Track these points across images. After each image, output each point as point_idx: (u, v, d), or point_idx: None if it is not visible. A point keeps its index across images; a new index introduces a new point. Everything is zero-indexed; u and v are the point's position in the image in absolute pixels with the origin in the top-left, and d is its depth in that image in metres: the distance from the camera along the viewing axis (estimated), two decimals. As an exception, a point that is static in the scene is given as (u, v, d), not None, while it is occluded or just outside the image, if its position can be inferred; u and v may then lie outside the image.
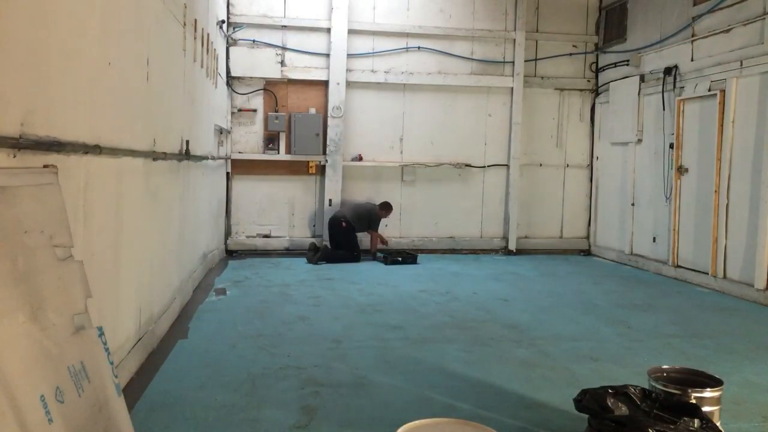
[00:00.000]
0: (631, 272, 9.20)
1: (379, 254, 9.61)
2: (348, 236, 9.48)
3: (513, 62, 10.53)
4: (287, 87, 10.02)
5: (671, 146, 8.72)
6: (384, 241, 9.91)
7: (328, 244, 9.65)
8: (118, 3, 3.85)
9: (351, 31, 9.95)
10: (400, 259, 9.37)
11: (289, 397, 3.95)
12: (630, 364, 4.77)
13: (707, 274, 7.95)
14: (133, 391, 3.89)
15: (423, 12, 10.26)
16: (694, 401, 3.17)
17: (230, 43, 9.68)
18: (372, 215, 9.69)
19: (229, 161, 9.78)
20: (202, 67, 6.91)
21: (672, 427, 2.88)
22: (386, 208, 9.79)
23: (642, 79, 9.48)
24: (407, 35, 10.26)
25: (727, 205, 7.65)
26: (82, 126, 3.22)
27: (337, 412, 3.73)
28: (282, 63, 9.89)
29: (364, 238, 9.85)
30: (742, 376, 4.54)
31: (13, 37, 2.45)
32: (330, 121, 9.93)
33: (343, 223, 9.42)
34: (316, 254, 9.26)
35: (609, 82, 10.38)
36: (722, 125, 7.69)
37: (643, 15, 9.59)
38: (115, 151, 3.71)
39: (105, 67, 3.57)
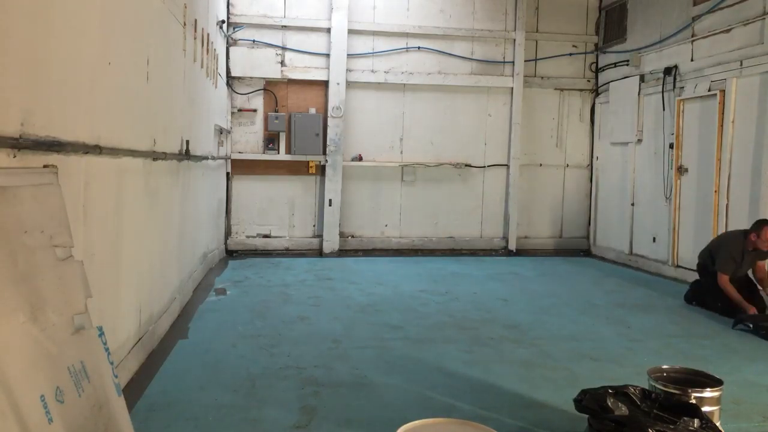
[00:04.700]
0: (631, 272, 9.20)
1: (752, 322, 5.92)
2: (708, 284, 6.68)
3: (513, 62, 10.52)
4: (287, 87, 10.01)
5: (671, 146, 8.72)
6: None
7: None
8: (118, 3, 3.85)
9: (351, 31, 9.95)
10: None
11: (289, 397, 3.95)
12: (630, 364, 4.77)
13: (707, 274, 7.94)
14: (133, 391, 3.89)
15: (423, 12, 10.26)
16: (694, 401, 3.18)
17: (230, 43, 9.68)
18: (737, 242, 6.41)
19: (229, 161, 9.78)
20: (202, 67, 6.91)
21: (672, 427, 2.89)
22: (760, 227, 6.27)
23: (642, 79, 9.47)
24: (407, 35, 10.25)
25: (727, 205, 7.65)
26: (82, 126, 3.21)
27: (337, 412, 3.73)
28: (282, 63, 9.89)
29: None
30: (742, 376, 4.54)
31: (13, 37, 2.45)
32: (330, 121, 9.93)
33: (699, 261, 6.93)
34: (692, 289, 7.09)
35: (609, 82, 10.38)
36: (722, 125, 7.69)
37: (643, 15, 9.59)
38: (115, 151, 3.71)
39: (105, 67, 3.57)
